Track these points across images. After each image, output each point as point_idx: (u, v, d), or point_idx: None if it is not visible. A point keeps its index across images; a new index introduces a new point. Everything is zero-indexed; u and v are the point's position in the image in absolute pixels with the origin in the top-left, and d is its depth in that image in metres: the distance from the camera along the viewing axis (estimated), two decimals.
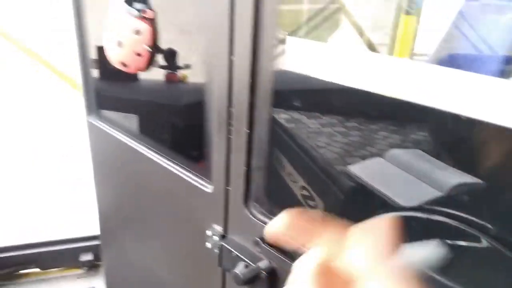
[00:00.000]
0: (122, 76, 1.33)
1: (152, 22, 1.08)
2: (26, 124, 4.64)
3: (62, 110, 4.76)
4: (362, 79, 0.71)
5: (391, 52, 1.98)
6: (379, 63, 0.69)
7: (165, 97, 1.56)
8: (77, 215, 2.98)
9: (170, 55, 1.29)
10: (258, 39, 0.81)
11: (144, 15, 1.06)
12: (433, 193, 1.14)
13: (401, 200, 1.13)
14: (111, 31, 1.15)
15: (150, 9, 1.08)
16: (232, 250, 0.99)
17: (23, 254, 2.30)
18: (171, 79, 1.49)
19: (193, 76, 1.48)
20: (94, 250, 2.36)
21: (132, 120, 1.54)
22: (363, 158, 1.46)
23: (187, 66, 1.38)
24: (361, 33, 2.48)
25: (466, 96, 0.60)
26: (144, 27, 1.07)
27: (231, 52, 0.86)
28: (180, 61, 1.33)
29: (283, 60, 0.81)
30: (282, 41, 0.82)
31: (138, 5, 1.08)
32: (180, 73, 1.46)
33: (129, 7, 1.08)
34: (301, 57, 0.79)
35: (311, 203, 1.28)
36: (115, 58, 1.17)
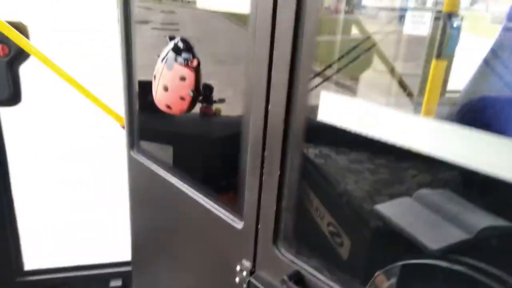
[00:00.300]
0: (160, 110, 1.42)
1: (196, 69, 1.17)
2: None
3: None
4: (389, 134, 0.76)
5: (423, 86, 2.00)
6: (404, 122, 0.74)
7: (200, 130, 1.64)
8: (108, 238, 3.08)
9: (207, 90, 1.37)
10: (293, 91, 0.88)
11: (189, 63, 1.17)
12: (460, 236, 1.14)
13: (428, 242, 1.13)
14: (159, 76, 1.25)
15: (195, 58, 1.19)
16: (260, 286, 1.03)
17: (55, 277, 2.39)
18: (206, 113, 1.57)
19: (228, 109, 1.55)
20: (124, 276, 2.43)
21: (169, 153, 1.62)
22: (391, 196, 1.47)
23: (221, 100, 1.44)
24: (391, 69, 2.52)
25: (485, 156, 0.64)
26: (189, 74, 1.17)
27: (267, 101, 0.93)
28: (216, 95, 1.40)
29: (316, 110, 0.87)
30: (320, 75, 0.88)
31: (185, 54, 1.18)
32: (215, 106, 1.54)
33: (176, 56, 1.19)
34: (334, 110, 0.85)
35: (337, 240, 1.30)
36: (161, 101, 1.27)
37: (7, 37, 1.67)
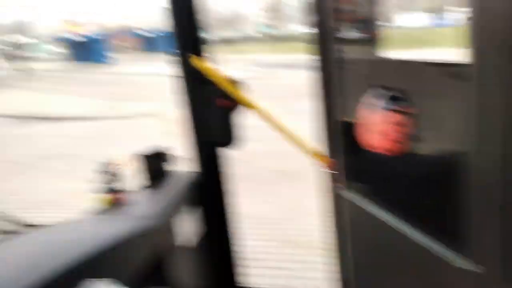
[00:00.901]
0: (364, 149, 1.50)
1: (412, 115, 1.27)
2: None
3: None
4: None
5: None
6: None
7: (406, 167, 1.64)
8: None
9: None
10: None
11: (406, 111, 1.27)
12: None
13: None
14: (375, 124, 1.38)
15: (410, 106, 1.28)
16: None
17: None
18: (406, 150, 1.59)
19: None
20: None
21: (379, 191, 1.66)
22: None
23: (419, 138, 1.47)
24: None
25: None
26: (406, 120, 1.27)
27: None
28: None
29: None
30: None
31: (402, 103, 1.31)
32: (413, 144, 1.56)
33: (394, 105, 1.31)
34: None
35: None
36: (380, 145, 1.40)
37: (229, 92, 2.02)
